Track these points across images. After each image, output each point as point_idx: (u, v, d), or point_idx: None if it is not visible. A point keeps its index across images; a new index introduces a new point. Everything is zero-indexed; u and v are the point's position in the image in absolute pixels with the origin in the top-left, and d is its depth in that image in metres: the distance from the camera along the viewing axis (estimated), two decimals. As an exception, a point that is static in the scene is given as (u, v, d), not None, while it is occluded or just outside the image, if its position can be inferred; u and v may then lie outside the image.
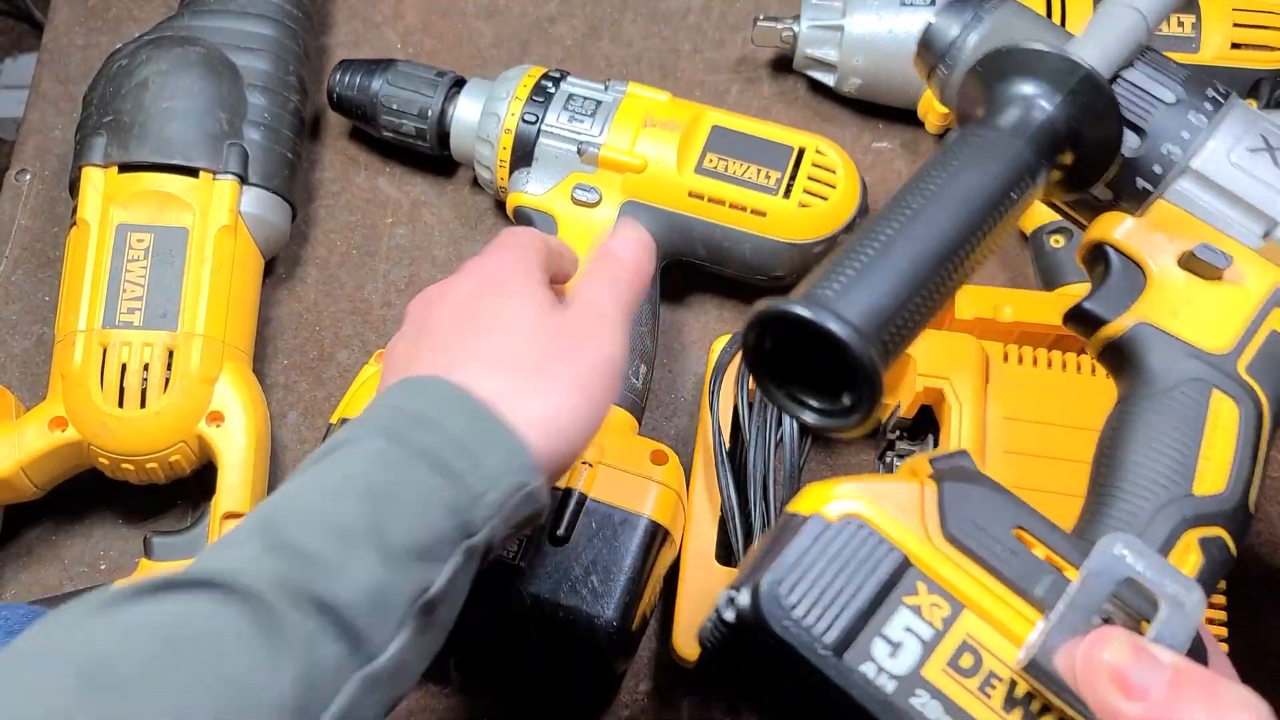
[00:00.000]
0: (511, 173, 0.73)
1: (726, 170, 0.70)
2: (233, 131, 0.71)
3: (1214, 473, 0.43)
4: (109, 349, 0.67)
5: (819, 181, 0.70)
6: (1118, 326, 0.46)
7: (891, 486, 0.43)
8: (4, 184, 0.79)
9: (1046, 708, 0.39)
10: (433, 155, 0.78)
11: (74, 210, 0.70)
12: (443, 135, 0.76)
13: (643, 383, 0.69)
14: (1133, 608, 0.39)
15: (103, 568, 0.70)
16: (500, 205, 0.78)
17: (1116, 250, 0.47)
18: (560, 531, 0.61)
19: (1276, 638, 0.68)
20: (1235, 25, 0.74)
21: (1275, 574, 0.69)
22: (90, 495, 0.70)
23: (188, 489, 0.70)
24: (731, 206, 0.70)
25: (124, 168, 0.70)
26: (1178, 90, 0.47)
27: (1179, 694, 0.37)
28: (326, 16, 0.85)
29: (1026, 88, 0.45)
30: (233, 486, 0.66)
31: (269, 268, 0.76)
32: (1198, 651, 0.40)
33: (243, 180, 0.71)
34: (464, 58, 0.84)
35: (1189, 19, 0.74)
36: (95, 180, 0.70)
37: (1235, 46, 0.74)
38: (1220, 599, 0.61)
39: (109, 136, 0.70)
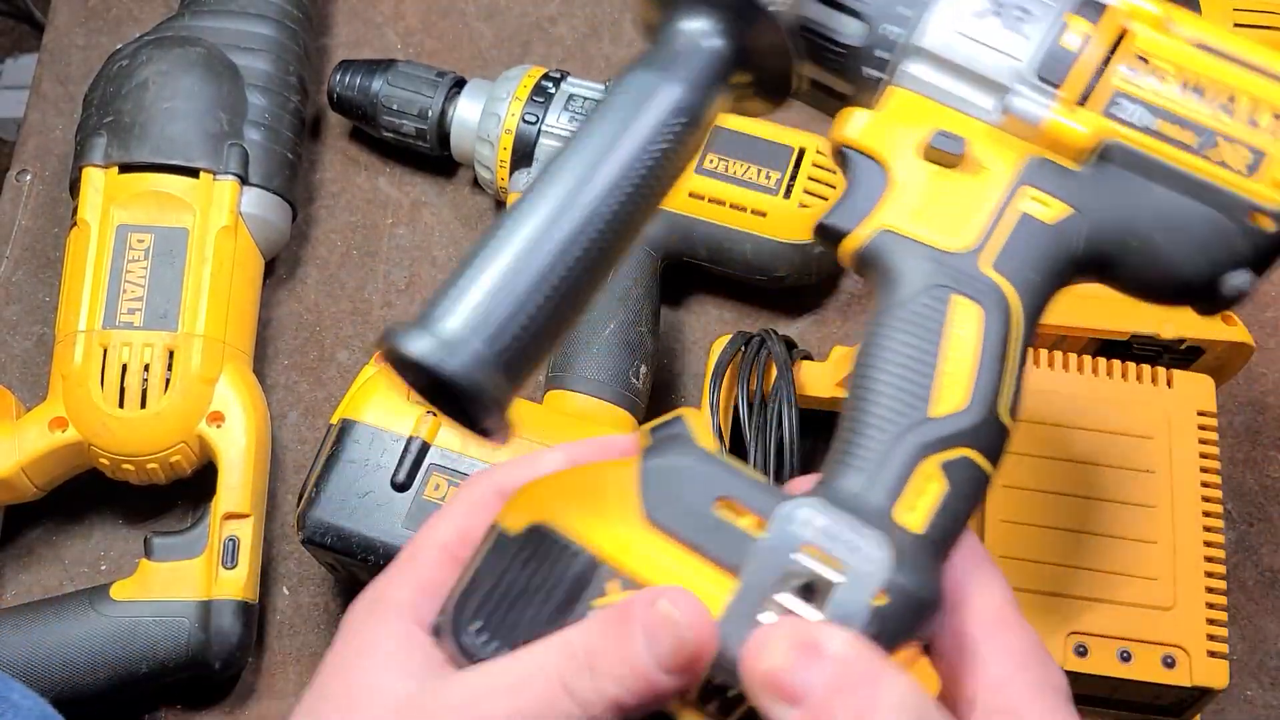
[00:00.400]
0: (512, 173, 0.73)
1: (727, 170, 0.70)
2: (233, 132, 0.71)
3: (954, 388, 0.39)
4: (109, 349, 0.67)
5: (819, 182, 0.70)
6: (858, 237, 0.41)
7: (596, 474, 0.39)
8: (4, 184, 0.79)
9: (742, 696, 0.36)
10: (433, 155, 0.78)
11: (74, 210, 0.70)
12: (443, 135, 0.76)
13: (643, 383, 0.69)
14: (824, 575, 0.36)
15: (103, 568, 0.70)
16: (501, 205, 0.77)
17: (856, 151, 0.42)
18: (561, 532, 0.60)
19: (1277, 638, 0.68)
20: (1236, 25, 0.74)
21: (1276, 574, 0.69)
22: (90, 496, 0.70)
23: (188, 489, 0.70)
24: (732, 207, 0.70)
25: (124, 168, 0.70)
26: None
27: (836, 694, 0.34)
28: (327, 17, 0.85)
29: (684, 17, 0.41)
30: (233, 487, 0.66)
31: (269, 268, 0.76)
32: (922, 603, 0.37)
33: (243, 180, 0.71)
34: (464, 58, 0.84)
35: (1189, 19, 0.74)
36: (96, 180, 0.69)
37: (1236, 46, 0.74)
38: (1221, 599, 0.61)
39: (109, 137, 0.70)
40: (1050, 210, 0.41)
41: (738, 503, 0.38)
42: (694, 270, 0.74)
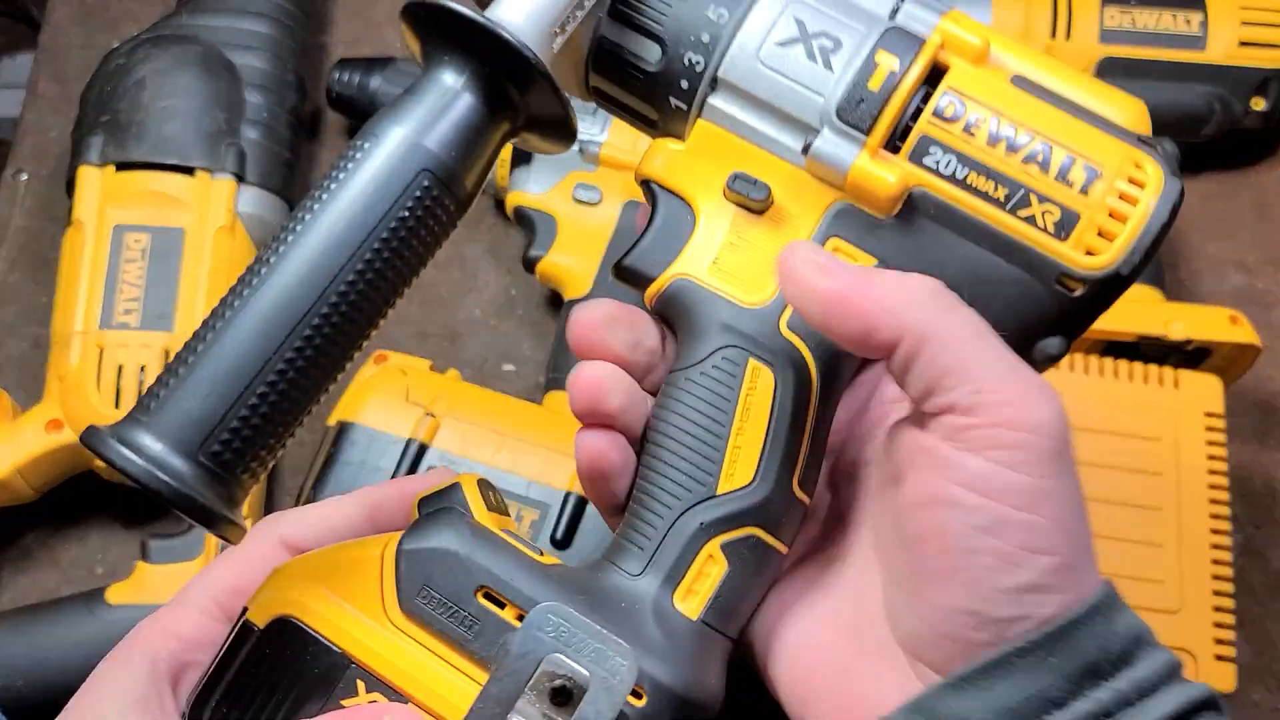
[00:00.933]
0: (511, 171, 0.73)
1: (729, 169, 0.70)
2: (230, 131, 0.71)
3: (743, 462, 0.36)
4: (106, 350, 0.66)
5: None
6: (660, 283, 0.38)
7: (351, 557, 0.37)
8: (1, 184, 0.79)
9: None
10: (432, 155, 0.77)
11: (70, 210, 0.70)
12: (442, 134, 0.75)
13: (644, 384, 0.68)
14: (574, 678, 0.34)
15: (99, 571, 0.69)
16: (500, 205, 0.77)
17: (661, 187, 0.39)
18: (559, 535, 0.60)
19: (1285, 641, 0.67)
20: (1244, 24, 0.74)
21: (1278, 576, 0.69)
22: (87, 498, 0.70)
23: (185, 491, 0.70)
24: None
25: (121, 167, 0.69)
26: None
27: None
28: (325, 15, 0.84)
29: (439, 63, 0.36)
30: (230, 489, 0.65)
31: (267, 268, 0.75)
32: (687, 701, 0.35)
33: (240, 179, 0.70)
34: (464, 56, 0.83)
35: (1196, 17, 0.74)
36: (92, 180, 0.69)
37: (1244, 45, 0.73)
38: (1228, 601, 0.60)
39: (106, 136, 0.70)
40: (856, 264, 0.37)
41: (499, 593, 0.35)
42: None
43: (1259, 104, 0.74)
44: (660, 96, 0.39)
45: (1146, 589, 0.60)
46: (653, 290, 0.39)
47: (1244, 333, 0.65)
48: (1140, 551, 0.60)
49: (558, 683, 0.34)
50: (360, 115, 0.77)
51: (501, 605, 0.35)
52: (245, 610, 0.37)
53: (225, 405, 0.33)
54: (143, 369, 0.66)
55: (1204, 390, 0.63)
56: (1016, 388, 0.34)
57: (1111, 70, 0.73)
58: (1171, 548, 0.60)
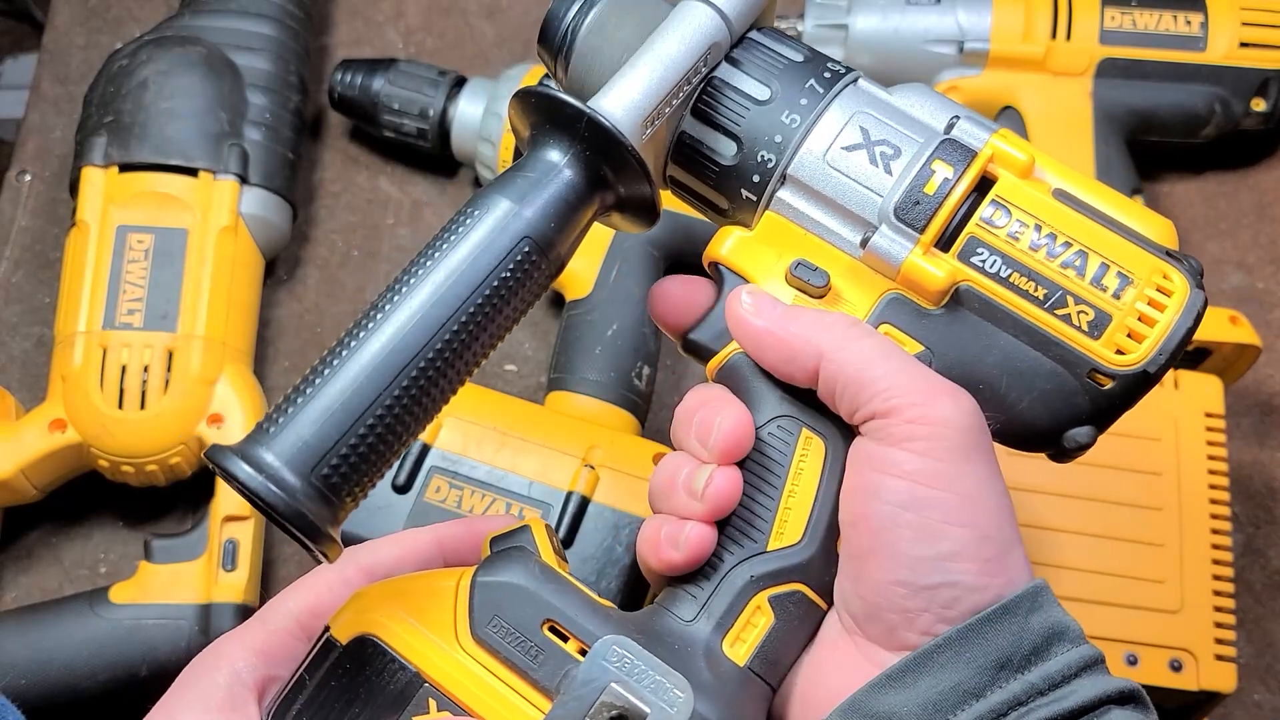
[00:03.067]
0: (514, 173, 0.73)
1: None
2: (233, 131, 0.71)
3: (792, 522, 0.40)
4: (109, 350, 0.66)
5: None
6: (722, 356, 0.42)
7: (429, 585, 0.40)
8: (4, 185, 0.79)
9: None
10: (434, 155, 0.78)
11: (74, 211, 0.70)
12: (444, 135, 0.76)
13: (645, 384, 0.68)
14: (633, 712, 0.37)
15: (103, 570, 0.69)
16: (502, 205, 0.77)
17: (728, 269, 0.43)
18: (561, 535, 0.60)
19: (1285, 641, 0.67)
20: (1244, 24, 0.74)
21: (1278, 576, 0.69)
22: (90, 498, 0.70)
23: (188, 491, 0.70)
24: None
25: (124, 168, 0.69)
26: (772, 86, 0.42)
27: None
28: (327, 16, 0.85)
29: (542, 143, 0.40)
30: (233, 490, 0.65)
31: (270, 269, 0.75)
32: None
33: (243, 180, 0.70)
34: (466, 57, 0.83)
35: (1196, 18, 0.74)
36: (95, 181, 0.69)
37: (1244, 45, 0.74)
38: (1229, 602, 0.60)
39: (109, 137, 0.70)
40: (905, 349, 0.40)
41: (563, 627, 0.38)
42: (697, 270, 0.74)
43: (1259, 104, 0.74)
44: (732, 188, 0.43)
45: (1146, 589, 0.60)
46: (715, 362, 0.42)
47: (1244, 333, 0.65)
48: (1140, 551, 0.60)
49: (615, 712, 0.37)
50: (362, 116, 0.77)
51: (565, 639, 0.38)
52: (328, 628, 0.40)
53: (338, 434, 0.36)
54: (146, 369, 0.66)
55: (1204, 390, 0.63)
56: (924, 391, 0.38)
57: (1111, 71, 0.74)
58: (1172, 548, 0.60)
